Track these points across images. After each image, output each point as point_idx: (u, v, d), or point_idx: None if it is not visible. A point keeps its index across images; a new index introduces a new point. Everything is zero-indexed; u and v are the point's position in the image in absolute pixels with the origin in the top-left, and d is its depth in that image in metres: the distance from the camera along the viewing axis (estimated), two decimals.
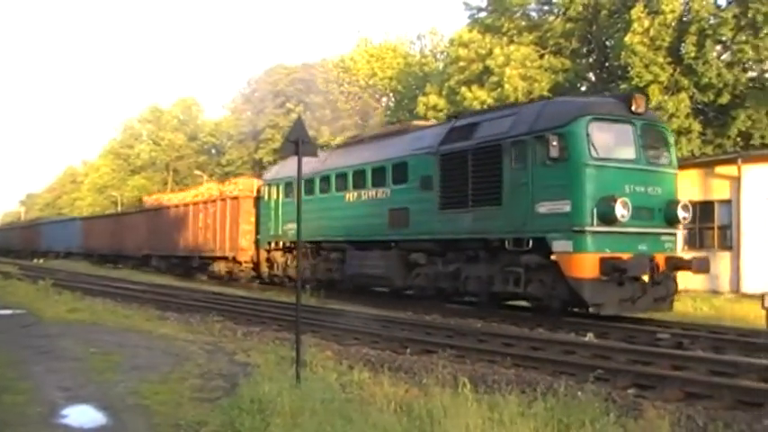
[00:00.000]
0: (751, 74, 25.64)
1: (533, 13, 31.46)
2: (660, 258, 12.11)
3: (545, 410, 5.64)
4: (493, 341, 10.41)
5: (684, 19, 25.32)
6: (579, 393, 6.33)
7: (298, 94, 46.72)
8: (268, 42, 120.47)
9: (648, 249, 12.09)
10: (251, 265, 24.79)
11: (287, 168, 22.01)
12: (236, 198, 25.47)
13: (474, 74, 30.07)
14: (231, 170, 56.52)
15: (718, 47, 25.29)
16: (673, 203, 12.49)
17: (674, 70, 25.05)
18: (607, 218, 11.64)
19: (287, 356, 8.46)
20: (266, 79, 58.93)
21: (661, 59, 24.78)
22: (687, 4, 25.18)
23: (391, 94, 45.01)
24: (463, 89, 29.65)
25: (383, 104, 46.02)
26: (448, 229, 14.56)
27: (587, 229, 11.68)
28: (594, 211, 11.67)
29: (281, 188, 21.68)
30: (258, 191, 25.37)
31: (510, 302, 14.44)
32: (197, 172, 60.20)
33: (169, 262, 30.87)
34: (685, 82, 24.79)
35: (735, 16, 24.06)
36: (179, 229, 29.36)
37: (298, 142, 7.59)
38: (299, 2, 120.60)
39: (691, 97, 24.87)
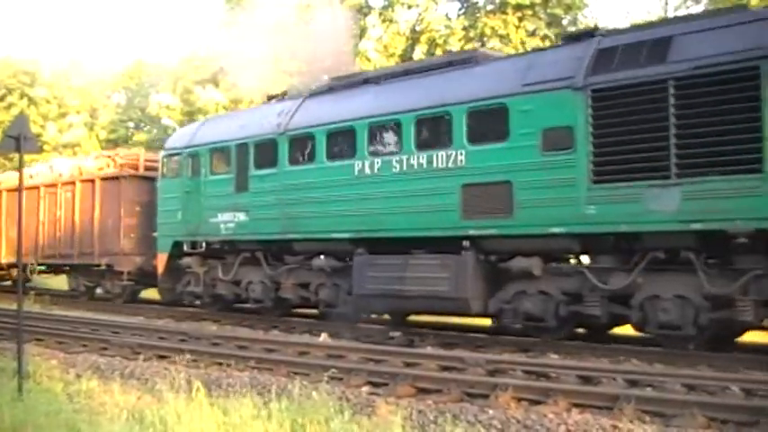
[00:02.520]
0: None
1: (268, 17, 30.51)
2: None
3: (280, 411, 5.65)
4: (227, 344, 10.25)
5: (417, 28, 26.51)
6: (314, 393, 6.36)
7: (21, 87, 40.44)
8: None
9: None
10: (137, 278, 16.64)
11: (219, 129, 14.38)
12: (113, 179, 16.99)
13: (209, 73, 30.05)
14: None
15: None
16: None
17: None
18: None
19: (7, 368, 7.83)
20: None
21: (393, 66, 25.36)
22: (420, 14, 26.58)
23: (123, 91, 43.37)
24: (197, 88, 29.93)
25: (113, 102, 43.55)
26: (613, 215, 8.57)
27: None
28: None
29: (204, 159, 14.01)
30: (147, 168, 17.19)
31: None
32: None
33: None
34: None
35: (464, 28, 25.62)
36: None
37: (19, 138, 7.27)
38: None
39: None
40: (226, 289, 13.81)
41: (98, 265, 17.07)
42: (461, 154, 9.97)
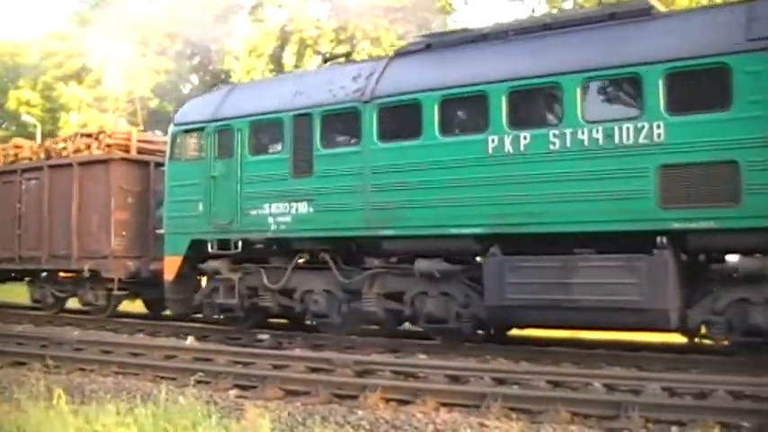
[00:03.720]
0: None
1: (139, 12, 30.17)
2: None
3: (145, 417, 5.52)
4: (90, 349, 9.80)
5: (287, 29, 26.08)
6: (180, 398, 6.21)
7: None
8: None
9: None
10: (129, 287, 13.26)
11: (261, 96, 11.35)
12: (98, 163, 13.43)
13: (72, 69, 29.77)
14: None
15: (318, 58, 25.99)
16: None
17: None
18: None
19: None
20: None
21: (263, 66, 25.37)
22: (290, 14, 26.34)
23: None
24: (60, 85, 29.46)
25: None
26: None
27: None
28: None
29: (240, 135, 10.98)
30: (140, 150, 13.82)
31: None
32: None
33: None
34: None
35: (334, 30, 25.48)
36: None
37: None
38: None
39: None
40: (272, 300, 10.88)
41: (77, 272, 13.49)
42: (658, 127, 7.72)
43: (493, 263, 8.71)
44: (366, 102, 9.70)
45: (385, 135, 9.61)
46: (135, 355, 9.29)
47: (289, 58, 25.72)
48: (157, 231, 12.38)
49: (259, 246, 11.01)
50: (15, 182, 14.65)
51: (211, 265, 11.38)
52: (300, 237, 10.39)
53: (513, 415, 5.89)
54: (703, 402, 5.95)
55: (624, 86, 8.12)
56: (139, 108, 25.24)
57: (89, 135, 14.10)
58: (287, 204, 10.45)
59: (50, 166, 14.22)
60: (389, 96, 9.55)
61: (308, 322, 10.91)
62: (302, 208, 10.31)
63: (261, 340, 10.70)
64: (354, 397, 6.62)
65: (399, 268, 9.78)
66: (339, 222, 9.92)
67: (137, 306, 15.06)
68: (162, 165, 13.86)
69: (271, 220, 10.65)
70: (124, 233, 13.30)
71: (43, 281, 14.52)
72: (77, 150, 13.95)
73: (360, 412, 6.04)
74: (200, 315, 12.43)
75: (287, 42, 25.88)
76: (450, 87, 9.07)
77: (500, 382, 7.01)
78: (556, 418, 5.72)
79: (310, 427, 5.83)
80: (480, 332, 9.51)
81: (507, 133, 8.62)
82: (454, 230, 8.96)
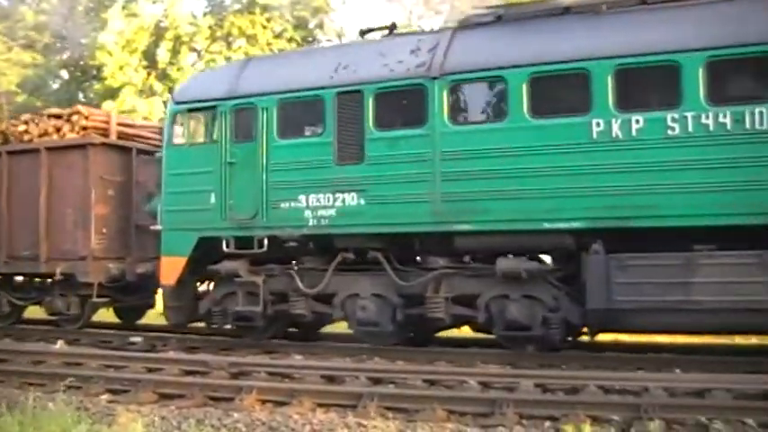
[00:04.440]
0: None
1: (4, 2, 29.47)
2: None
3: (11, 426, 5.41)
4: None
5: (162, 24, 25.93)
6: (50, 404, 6.11)
7: None
8: None
9: None
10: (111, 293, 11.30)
11: (291, 70, 9.76)
12: (74, 148, 11.32)
13: None
14: None
15: (193, 55, 26.68)
16: None
17: (149, 74, 25.57)
18: None
19: None
20: None
21: (136, 62, 25.08)
22: (165, 9, 26.02)
23: None
24: None
25: None
26: None
27: None
28: None
29: (266, 115, 9.35)
30: (120, 135, 11.85)
31: None
32: None
33: None
34: (159, 86, 25.13)
35: (210, 27, 25.70)
36: None
37: None
38: None
39: (165, 102, 23.36)
40: (305, 307, 9.37)
41: (44, 276, 11.34)
42: None
43: (596, 261, 7.67)
44: (434, 78, 8.44)
45: (459, 116, 8.41)
46: (1, 361, 8.73)
47: (163, 55, 25.58)
48: (151, 228, 10.52)
49: (293, 244, 9.47)
50: None
51: (227, 266, 9.70)
52: (347, 233, 8.96)
53: (390, 414, 5.96)
54: (575, 397, 6.16)
55: (757, 66, 7.30)
56: (5, 103, 23.82)
57: (58, 116, 11.88)
58: (330, 196, 9.00)
59: (9, 153, 11.89)
60: (464, 72, 8.33)
61: (351, 331, 9.48)
62: (350, 200, 8.89)
63: (133, 343, 10.40)
64: (230, 399, 6.57)
65: (472, 268, 8.60)
66: (399, 216, 8.58)
67: (105, 315, 13.01)
68: (145, 152, 12.06)
69: (308, 213, 9.15)
70: (104, 230, 11.28)
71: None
72: (44, 134, 11.75)
73: (236, 414, 6.06)
74: (195, 324, 10.83)
75: (161, 38, 25.60)
76: (542, 64, 7.96)
77: (376, 381, 7.05)
78: (432, 417, 5.80)
79: (185, 430, 5.79)
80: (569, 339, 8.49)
81: (615, 116, 7.62)
82: (548, 225, 7.88)
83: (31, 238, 11.56)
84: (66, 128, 11.60)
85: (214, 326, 10.32)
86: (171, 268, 10.13)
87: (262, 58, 11.53)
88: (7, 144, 12.13)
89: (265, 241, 9.42)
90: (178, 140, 10.22)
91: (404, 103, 8.77)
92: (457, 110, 8.40)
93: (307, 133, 9.45)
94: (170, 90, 21.11)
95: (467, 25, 9.01)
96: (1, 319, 12.15)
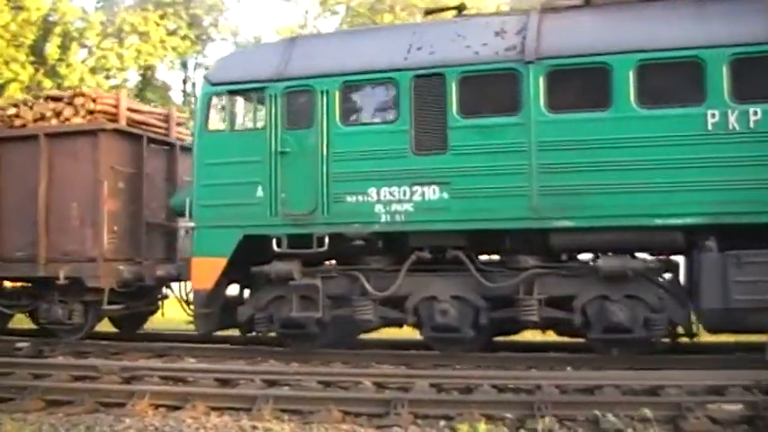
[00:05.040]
0: (114, 81, 26.87)
1: None
2: None
3: None
4: None
5: (51, 18, 25.37)
6: None
7: None
8: None
9: None
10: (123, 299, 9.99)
11: (353, 50, 8.82)
12: (81, 135, 9.89)
13: None
14: None
15: (84, 51, 26.45)
16: None
17: (37, 71, 24.98)
18: None
19: None
20: None
21: (23, 57, 24.36)
22: (54, 3, 25.43)
23: None
24: None
25: None
26: None
27: None
28: None
29: (326, 99, 8.37)
30: (130, 122, 10.50)
31: None
32: None
33: None
34: (48, 83, 24.58)
35: (102, 23, 25.40)
36: None
37: None
38: None
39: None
40: (372, 311, 8.50)
41: (46, 280, 9.84)
42: None
43: (711, 259, 7.29)
44: (529, 62, 7.81)
45: (558, 104, 7.78)
46: None
47: (52, 50, 24.91)
48: (182, 225, 9.34)
49: (359, 242, 8.57)
50: None
51: (279, 267, 8.70)
52: (427, 230, 8.19)
53: (285, 416, 5.95)
54: (469, 396, 6.29)
55: None
56: None
57: (58, 98, 10.35)
58: (406, 189, 8.19)
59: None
60: (563, 57, 7.76)
61: (423, 338, 8.68)
62: (431, 193, 8.12)
63: (19, 348, 9.86)
64: (122, 404, 6.41)
65: (568, 268, 8.03)
66: (489, 211, 7.89)
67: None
68: (155, 141, 10.82)
69: (379, 208, 8.30)
70: (116, 228, 9.96)
71: None
72: (40, 118, 10.20)
73: (127, 420, 5.96)
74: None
75: (50, 33, 24.90)
76: (650, 50, 7.49)
77: (271, 383, 7.00)
78: (327, 418, 5.80)
79: None
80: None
81: (731, 107, 7.27)
82: (659, 221, 7.41)
83: (25, 237, 10.03)
84: (67, 112, 10.10)
85: (256, 334, 9.31)
86: (207, 270, 8.98)
87: (311, 37, 10.47)
88: None
89: (326, 239, 8.53)
90: (215, 126, 9.13)
91: (493, 89, 8.08)
92: (554, 97, 7.78)
93: (376, 119, 8.61)
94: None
95: (553, 8, 8.46)
96: None
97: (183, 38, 27.72)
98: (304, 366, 8.06)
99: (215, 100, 9.09)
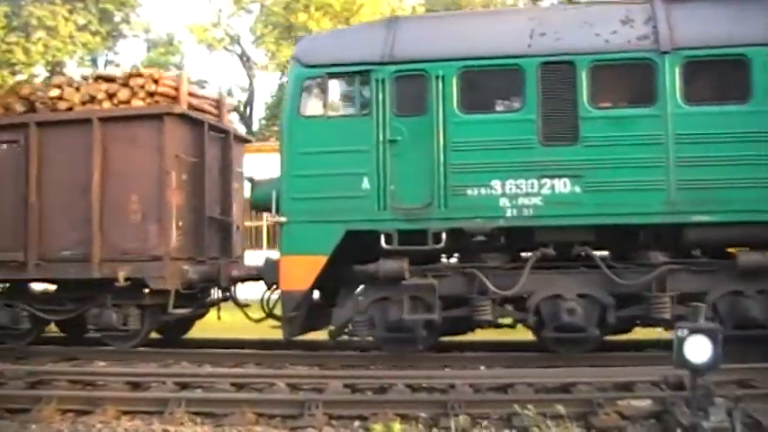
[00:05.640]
0: (20, 77, 25.97)
1: None
2: None
3: None
4: None
5: None
6: None
7: None
8: None
9: None
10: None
11: (468, 33, 8.27)
12: (143, 119, 8.84)
13: None
14: None
15: None
16: None
17: None
18: None
19: None
20: None
21: None
22: None
23: None
24: None
25: None
26: None
27: None
28: None
29: (441, 85, 7.76)
30: (197, 107, 9.56)
31: None
32: None
33: None
34: None
35: (6, 15, 24.35)
36: None
37: None
38: None
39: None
40: (491, 311, 7.99)
41: (100, 282, 8.68)
42: None
43: None
44: (665, 53, 7.59)
45: (695, 96, 7.60)
46: None
47: None
48: (272, 220, 8.47)
49: (481, 238, 8.04)
50: None
51: (389, 266, 8.06)
52: (557, 225, 7.79)
53: (198, 419, 5.90)
54: (383, 396, 6.32)
55: None
56: None
57: (110, 79, 9.22)
58: (534, 182, 7.77)
59: (41, 124, 9.00)
60: (700, 48, 7.58)
61: (545, 337, 8.25)
62: (561, 186, 7.73)
63: None
64: (27, 410, 6.19)
65: (701, 263, 7.85)
66: (624, 206, 7.60)
67: None
68: (215, 128, 9.92)
69: (504, 202, 7.83)
70: (181, 224, 8.96)
71: (11, 295, 9.21)
72: (89, 101, 9.01)
73: (34, 426, 5.83)
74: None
75: None
76: None
77: (183, 386, 6.93)
78: (241, 420, 5.76)
79: None
80: None
81: None
82: None
83: (74, 234, 8.85)
84: (122, 94, 8.97)
85: (352, 338, 8.61)
86: (302, 270, 8.19)
87: (415, 19, 9.77)
88: (34, 113, 9.22)
89: (443, 235, 7.97)
90: (310, 112, 8.37)
91: (626, 79, 7.85)
92: (692, 89, 7.59)
93: (499, 108, 8.16)
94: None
95: None
96: (15, 339, 9.24)
97: (94, 34, 26.75)
98: (217, 368, 7.97)
99: (310, 83, 8.35)
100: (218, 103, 10.17)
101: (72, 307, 9.12)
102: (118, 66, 29.13)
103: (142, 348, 9.13)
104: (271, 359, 8.50)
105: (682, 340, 4.74)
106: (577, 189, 7.71)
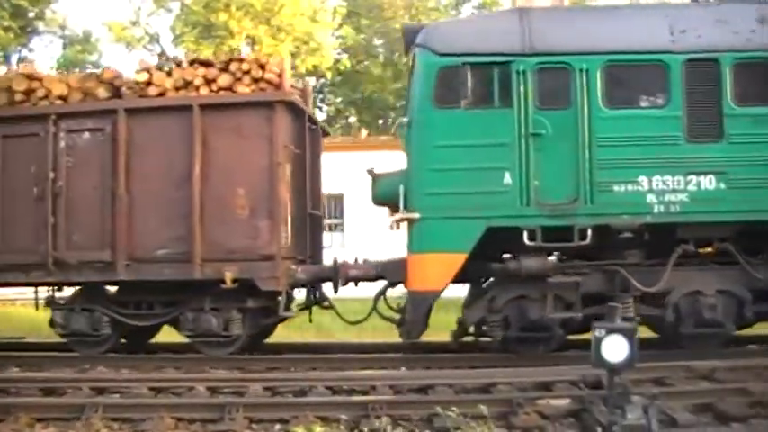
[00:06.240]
0: None
1: None
2: None
3: None
4: None
5: None
6: None
7: None
8: None
9: None
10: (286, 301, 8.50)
11: (611, 27, 8.12)
12: (259, 106, 8.01)
13: None
14: None
15: None
16: None
17: None
18: None
19: None
20: None
21: None
22: None
23: None
24: None
25: None
26: None
27: None
28: None
29: (585, 79, 7.54)
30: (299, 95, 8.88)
31: None
32: None
33: None
34: None
35: None
36: None
37: None
38: None
39: None
40: (633, 309, 7.83)
41: (200, 284, 7.71)
42: None
43: None
44: None
45: None
46: None
47: None
48: (403, 216, 7.87)
49: (627, 235, 7.87)
50: (42, 137, 7.87)
51: (532, 264, 7.75)
52: (700, 221, 7.78)
53: (116, 425, 5.76)
54: (303, 399, 6.26)
55: None
56: None
57: (208, 63, 8.21)
58: (680, 178, 7.72)
59: (130, 111, 7.96)
60: None
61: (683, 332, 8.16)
62: (706, 183, 7.73)
63: None
64: None
65: None
66: (766, 203, 7.75)
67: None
68: (310, 119, 9.22)
69: (651, 198, 7.73)
70: (289, 221, 8.16)
71: (90, 299, 8.01)
72: (183, 86, 8.00)
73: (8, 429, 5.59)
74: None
75: None
76: None
77: (100, 391, 6.73)
78: (159, 425, 5.64)
79: None
80: None
81: None
82: None
83: (171, 231, 7.90)
84: (222, 80, 8.06)
85: (483, 339, 8.21)
86: (438, 269, 7.77)
87: (549, 10, 9.25)
88: (120, 99, 8.04)
89: (588, 232, 7.75)
90: (447, 102, 7.87)
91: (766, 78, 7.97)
92: None
93: (643, 103, 8.03)
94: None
95: None
96: (93, 345, 8.08)
97: (6, 29, 25.98)
98: (135, 373, 7.73)
99: (444, 73, 7.87)
100: (304, 93, 9.40)
101: (160, 311, 8.10)
102: (32, 62, 27.31)
103: (60, 354, 8.44)
104: (190, 363, 8.09)
105: (599, 340, 4.70)
106: (722, 185, 7.75)
